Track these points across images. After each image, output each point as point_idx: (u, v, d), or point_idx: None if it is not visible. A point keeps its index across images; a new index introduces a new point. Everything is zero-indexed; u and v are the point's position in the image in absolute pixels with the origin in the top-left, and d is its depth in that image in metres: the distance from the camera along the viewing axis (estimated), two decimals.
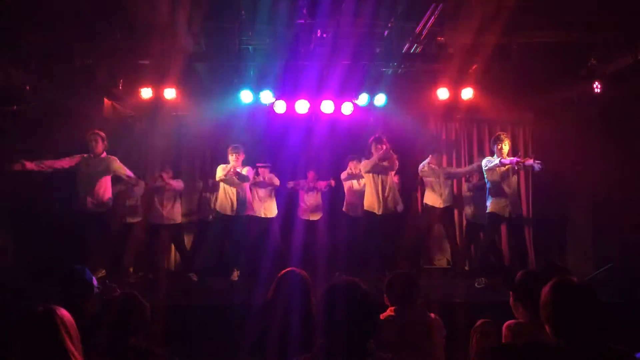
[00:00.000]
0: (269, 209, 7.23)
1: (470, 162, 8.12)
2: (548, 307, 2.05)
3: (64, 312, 2.26)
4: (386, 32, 6.24)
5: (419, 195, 8.00)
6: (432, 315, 3.19)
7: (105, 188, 6.29)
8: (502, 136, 6.24)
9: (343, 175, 7.21)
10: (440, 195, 6.98)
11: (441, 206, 6.98)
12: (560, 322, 2.02)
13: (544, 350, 1.92)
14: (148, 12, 5.34)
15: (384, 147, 6.50)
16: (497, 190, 6.17)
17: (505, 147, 6.16)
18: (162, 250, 7.50)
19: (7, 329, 2.23)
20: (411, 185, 7.92)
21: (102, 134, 6.34)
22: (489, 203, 6.25)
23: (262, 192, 7.21)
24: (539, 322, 2.20)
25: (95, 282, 3.26)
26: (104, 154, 6.35)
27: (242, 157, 6.62)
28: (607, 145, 6.75)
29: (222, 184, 6.71)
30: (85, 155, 6.31)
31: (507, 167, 6.10)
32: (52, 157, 6.22)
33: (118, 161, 6.38)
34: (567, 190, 7.62)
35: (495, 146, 6.18)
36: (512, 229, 6.53)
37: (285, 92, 7.08)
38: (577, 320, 1.98)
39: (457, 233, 7.77)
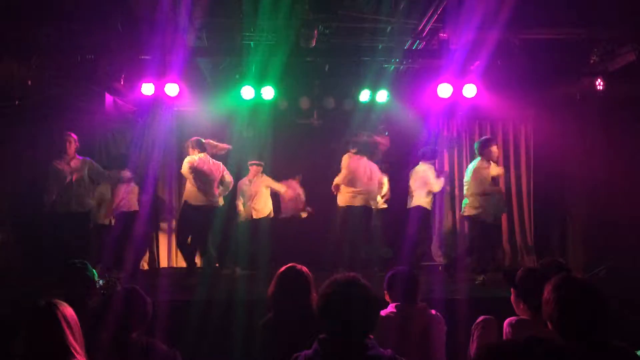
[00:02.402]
0: (260, 210, 7.21)
1: (473, 158, 8.11)
2: (551, 304, 2.04)
3: (65, 307, 2.26)
4: (388, 28, 6.22)
5: None
6: (433, 311, 3.19)
7: (84, 189, 6.29)
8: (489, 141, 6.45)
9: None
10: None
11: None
12: (563, 319, 2.01)
13: (545, 346, 1.92)
14: (150, 6, 5.33)
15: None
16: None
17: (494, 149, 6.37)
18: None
19: (9, 324, 2.23)
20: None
21: (74, 136, 6.32)
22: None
23: (250, 191, 7.19)
24: (540, 318, 2.20)
25: (96, 277, 3.27)
26: (77, 156, 6.36)
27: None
28: (609, 142, 6.75)
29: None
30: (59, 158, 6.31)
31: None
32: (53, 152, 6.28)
33: (92, 162, 6.42)
34: (568, 187, 7.62)
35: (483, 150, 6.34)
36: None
37: (287, 88, 7.07)
38: (580, 318, 1.98)
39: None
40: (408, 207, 6.82)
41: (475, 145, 6.52)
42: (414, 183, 6.79)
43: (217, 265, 7.00)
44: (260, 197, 7.26)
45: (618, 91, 6.58)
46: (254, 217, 7.19)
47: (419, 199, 6.71)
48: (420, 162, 6.88)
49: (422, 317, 3.11)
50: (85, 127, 6.75)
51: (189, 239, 6.66)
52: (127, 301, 2.64)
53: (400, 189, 7.40)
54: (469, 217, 6.43)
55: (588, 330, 1.97)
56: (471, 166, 6.43)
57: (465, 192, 6.41)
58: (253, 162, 7.27)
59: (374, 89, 7.04)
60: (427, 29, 6.01)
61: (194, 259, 6.69)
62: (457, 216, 7.95)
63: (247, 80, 6.79)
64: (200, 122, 7.66)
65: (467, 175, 6.38)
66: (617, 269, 5.91)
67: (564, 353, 1.92)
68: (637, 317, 4.13)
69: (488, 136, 7.11)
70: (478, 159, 6.38)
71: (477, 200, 6.24)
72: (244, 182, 7.27)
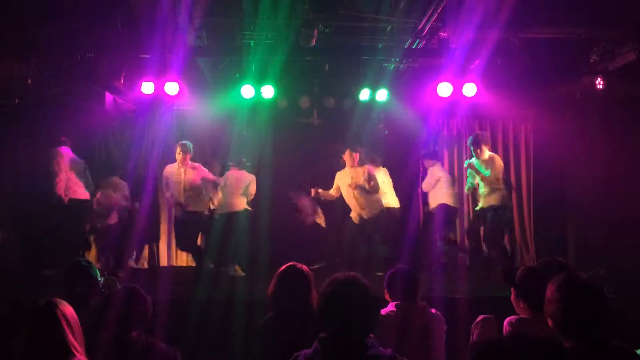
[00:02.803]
0: (236, 204, 6.97)
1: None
2: (554, 304, 2.04)
3: (66, 306, 2.26)
4: (388, 27, 6.22)
5: (420, 191, 8.01)
6: (433, 310, 3.19)
7: (62, 183, 6.19)
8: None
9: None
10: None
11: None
12: (566, 318, 2.01)
13: (545, 345, 1.92)
14: (150, 6, 5.32)
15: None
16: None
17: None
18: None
19: (9, 324, 2.23)
20: (411, 182, 7.90)
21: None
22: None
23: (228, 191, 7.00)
24: (541, 317, 2.20)
25: (99, 276, 3.27)
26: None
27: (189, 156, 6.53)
28: (609, 141, 6.76)
29: None
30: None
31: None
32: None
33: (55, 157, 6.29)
34: (568, 186, 7.62)
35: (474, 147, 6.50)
36: None
37: (287, 87, 7.07)
38: (583, 317, 1.98)
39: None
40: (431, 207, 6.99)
41: (481, 139, 6.57)
42: (435, 183, 6.91)
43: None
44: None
45: (618, 90, 6.58)
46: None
47: (443, 197, 6.89)
48: (434, 162, 7.05)
49: (422, 316, 3.11)
50: (85, 126, 6.75)
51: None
52: (127, 300, 2.64)
53: (400, 189, 7.41)
54: (496, 207, 6.45)
55: (590, 330, 1.97)
56: (490, 156, 6.50)
57: (489, 184, 6.43)
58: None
59: (374, 88, 7.03)
60: (427, 28, 6.00)
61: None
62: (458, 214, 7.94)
63: (247, 79, 6.79)
64: (200, 121, 7.67)
65: (492, 166, 6.42)
66: (617, 268, 5.91)
67: (565, 352, 1.92)
68: (637, 317, 4.14)
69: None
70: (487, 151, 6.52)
71: (503, 189, 6.43)
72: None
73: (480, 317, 2.94)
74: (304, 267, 2.92)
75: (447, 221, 7.07)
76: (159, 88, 6.56)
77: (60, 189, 6.10)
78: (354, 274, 2.11)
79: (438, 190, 6.96)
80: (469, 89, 6.62)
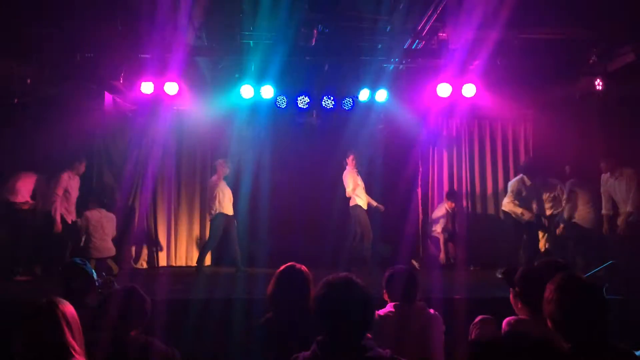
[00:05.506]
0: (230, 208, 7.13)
1: (471, 159, 8.15)
2: (554, 304, 2.04)
3: (66, 305, 2.24)
4: (388, 28, 6.22)
5: (419, 191, 8.02)
6: (432, 311, 3.19)
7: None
8: None
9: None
10: None
11: None
12: (565, 319, 2.01)
13: (543, 346, 1.92)
14: (150, 5, 5.32)
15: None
16: None
17: None
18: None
19: (9, 323, 2.22)
20: (412, 182, 7.90)
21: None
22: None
23: (227, 191, 7.07)
24: (539, 318, 2.20)
25: (94, 275, 3.26)
26: None
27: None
28: (608, 142, 6.75)
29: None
30: None
31: None
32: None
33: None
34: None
35: None
36: None
37: (286, 87, 7.07)
38: (583, 318, 1.98)
39: None
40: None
41: None
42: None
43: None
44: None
45: (617, 91, 6.58)
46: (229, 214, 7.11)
47: None
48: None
49: (420, 317, 3.10)
50: (84, 126, 6.75)
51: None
52: (126, 300, 2.64)
53: (399, 189, 7.41)
54: None
55: (589, 331, 1.97)
56: None
57: None
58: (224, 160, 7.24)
59: (374, 89, 7.02)
60: (426, 29, 6.00)
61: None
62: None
63: (247, 79, 6.78)
64: (200, 121, 7.66)
65: None
66: (616, 269, 5.91)
67: (562, 353, 1.92)
68: (637, 317, 4.14)
69: None
70: None
71: None
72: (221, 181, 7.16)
73: (478, 318, 2.93)
74: (303, 267, 2.91)
75: None
76: (159, 88, 6.56)
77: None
78: (347, 274, 2.10)
79: None
80: (469, 90, 6.62)
